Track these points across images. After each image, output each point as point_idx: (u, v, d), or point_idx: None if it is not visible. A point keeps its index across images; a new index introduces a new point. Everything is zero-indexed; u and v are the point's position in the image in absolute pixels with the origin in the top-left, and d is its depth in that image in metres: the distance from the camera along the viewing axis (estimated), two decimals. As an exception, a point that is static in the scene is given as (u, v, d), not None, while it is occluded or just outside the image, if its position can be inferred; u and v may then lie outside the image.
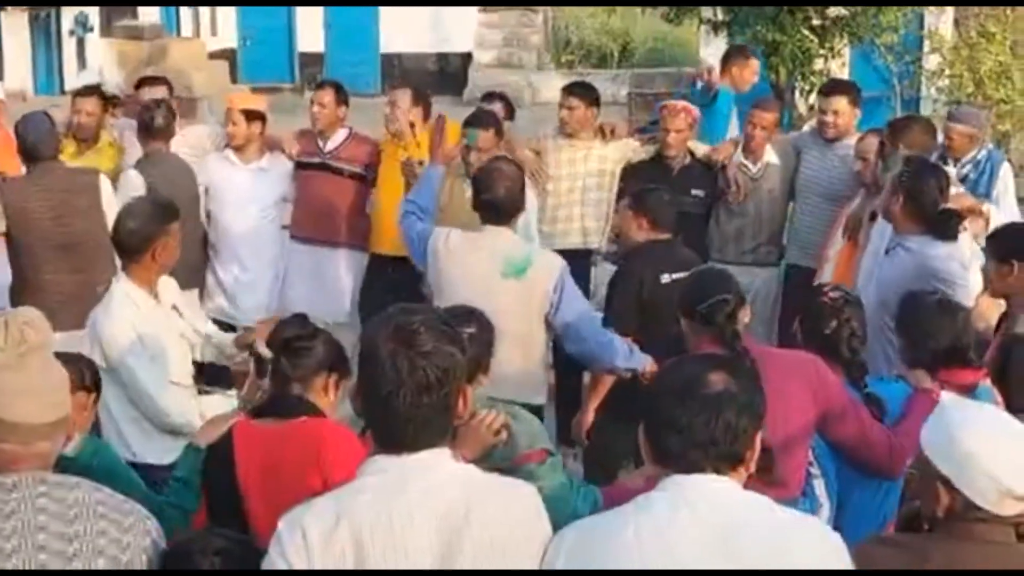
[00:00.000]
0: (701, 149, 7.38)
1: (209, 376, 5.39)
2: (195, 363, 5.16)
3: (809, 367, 4.05)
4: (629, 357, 5.25)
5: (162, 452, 4.78)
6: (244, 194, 7.44)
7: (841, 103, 7.15)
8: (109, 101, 12.52)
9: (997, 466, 2.75)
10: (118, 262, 5.00)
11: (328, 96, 7.63)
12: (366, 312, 7.17)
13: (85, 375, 4.13)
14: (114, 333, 4.77)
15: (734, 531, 2.53)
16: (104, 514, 2.70)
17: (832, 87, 7.57)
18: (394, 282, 6.87)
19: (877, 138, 6.63)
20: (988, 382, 4.33)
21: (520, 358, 5.15)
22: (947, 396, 3.86)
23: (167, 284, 5.04)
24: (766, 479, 3.75)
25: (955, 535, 2.80)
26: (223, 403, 4.88)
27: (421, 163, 6.57)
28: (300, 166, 7.56)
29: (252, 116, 7.47)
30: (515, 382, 4.99)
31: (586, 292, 6.51)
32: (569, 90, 7.53)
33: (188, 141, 7.66)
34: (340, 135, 7.61)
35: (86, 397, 4.12)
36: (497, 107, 7.59)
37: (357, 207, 7.63)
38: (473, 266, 5.22)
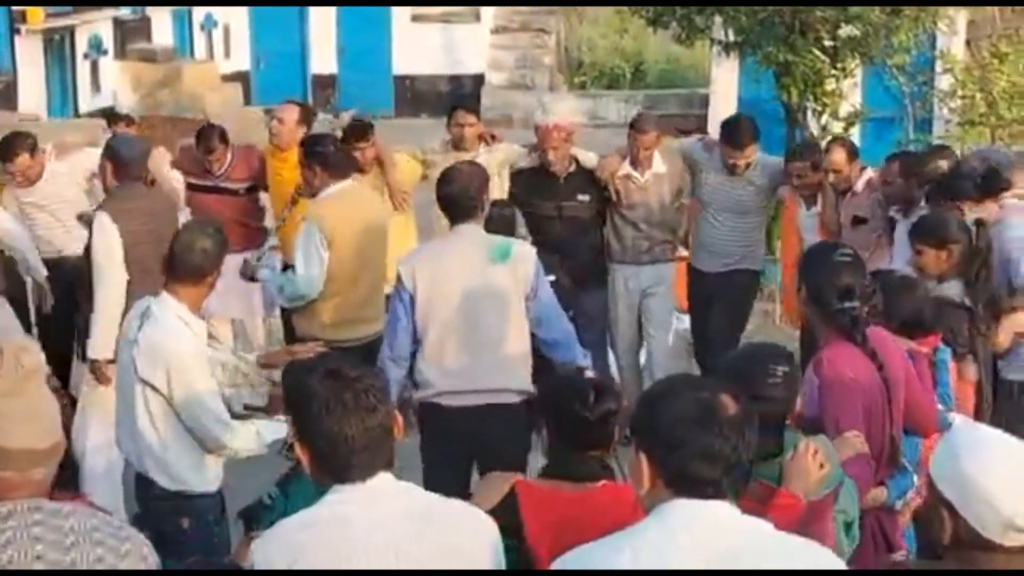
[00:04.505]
0: (583, 156, 7.71)
1: None
2: None
3: (896, 343, 4.38)
4: (583, 355, 5.59)
5: (209, 479, 4.83)
6: None
7: (751, 149, 7.57)
8: (124, 121, 12.55)
9: (998, 495, 2.61)
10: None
11: (290, 114, 7.80)
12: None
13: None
14: (181, 354, 4.69)
15: (735, 556, 2.51)
16: (101, 540, 2.69)
17: (740, 141, 7.63)
18: None
19: (898, 163, 7.13)
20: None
21: (516, 342, 5.37)
22: (959, 419, 3.91)
23: None
24: (894, 465, 4.12)
25: (963, 563, 2.71)
26: (278, 428, 4.82)
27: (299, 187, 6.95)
28: (191, 187, 7.82)
29: None
30: (515, 367, 5.34)
31: None
32: (465, 109, 7.94)
33: (72, 164, 7.70)
34: (226, 156, 7.87)
35: None
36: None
37: (251, 214, 8.04)
38: (460, 260, 5.36)
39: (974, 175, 6.27)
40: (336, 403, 2.81)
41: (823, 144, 8.14)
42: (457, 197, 5.43)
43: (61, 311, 7.71)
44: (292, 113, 7.80)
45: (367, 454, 2.82)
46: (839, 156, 7.36)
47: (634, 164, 7.61)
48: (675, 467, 2.58)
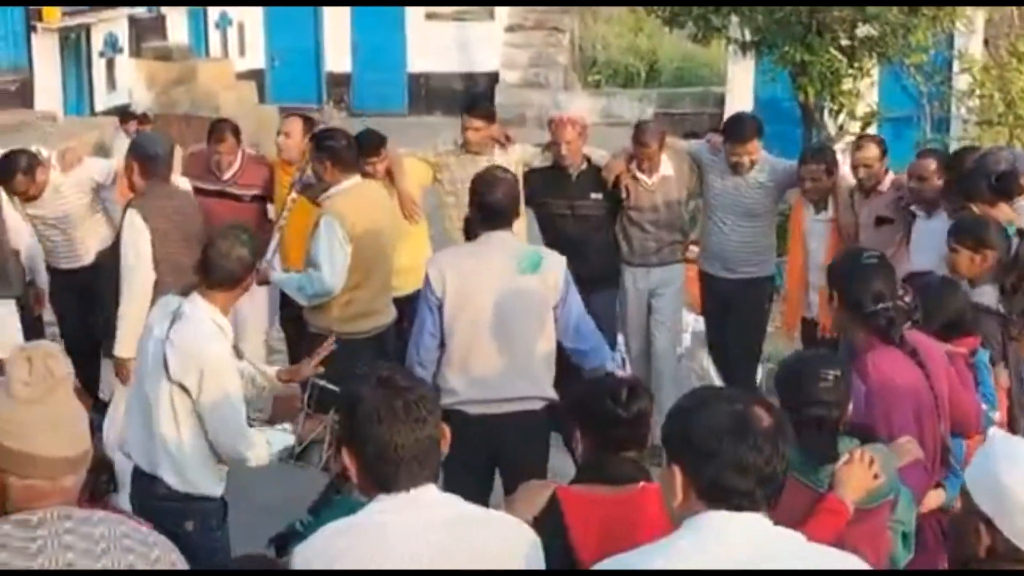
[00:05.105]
0: (596, 155, 7.69)
1: None
2: None
3: (934, 344, 4.40)
4: (613, 360, 5.62)
5: (216, 483, 4.84)
6: None
7: (753, 144, 7.54)
8: (138, 119, 12.56)
9: None
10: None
11: (295, 126, 7.72)
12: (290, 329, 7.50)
13: None
14: (215, 358, 4.68)
15: (767, 567, 2.51)
16: (131, 547, 2.68)
17: (742, 133, 7.62)
18: None
19: (934, 159, 7.05)
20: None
21: (544, 351, 5.37)
22: (995, 431, 3.90)
23: None
24: (946, 466, 4.17)
25: None
26: (285, 438, 4.84)
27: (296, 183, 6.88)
28: (197, 191, 7.54)
29: None
30: (541, 375, 5.34)
31: None
32: (471, 112, 7.69)
33: (78, 176, 7.60)
34: (236, 162, 7.77)
35: None
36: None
37: (256, 223, 7.73)
38: (490, 267, 5.33)
39: (989, 175, 6.22)
40: (387, 412, 2.82)
41: (853, 141, 8.05)
42: (499, 205, 5.40)
43: (78, 314, 7.73)
44: (297, 126, 7.72)
45: (414, 464, 2.83)
46: (872, 152, 7.24)
47: (640, 167, 7.59)
48: (708, 478, 2.57)
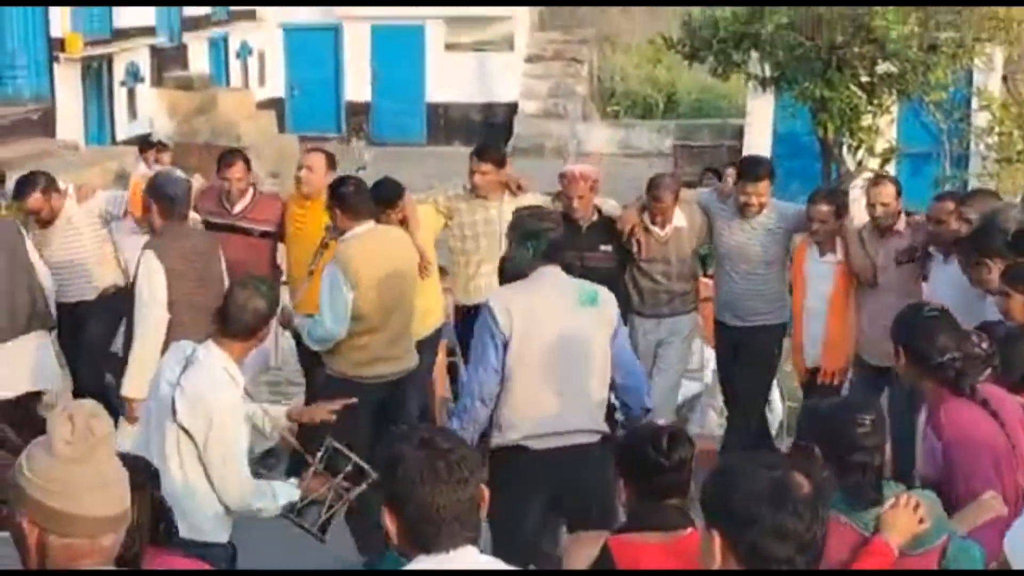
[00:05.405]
0: (606, 206, 7.66)
1: None
2: None
3: (1005, 393, 4.41)
4: (649, 398, 5.65)
5: (223, 529, 4.84)
6: None
7: (764, 185, 7.49)
8: (156, 147, 12.66)
9: None
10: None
11: (317, 161, 7.70)
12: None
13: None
14: (224, 409, 4.71)
15: None
16: None
17: (756, 172, 7.61)
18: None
19: (952, 202, 7.00)
20: None
21: (600, 384, 5.39)
22: None
23: None
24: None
25: None
26: (291, 491, 4.85)
27: (329, 228, 6.73)
28: (208, 226, 7.58)
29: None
30: (598, 409, 5.37)
31: None
32: (480, 156, 7.65)
33: (90, 208, 7.70)
34: (247, 195, 7.76)
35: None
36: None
37: (268, 263, 7.78)
38: (552, 302, 5.34)
39: (1005, 233, 6.20)
40: (430, 472, 2.81)
41: (868, 180, 8.04)
42: (557, 240, 5.44)
43: (87, 348, 7.80)
44: (320, 161, 7.70)
45: (455, 525, 2.82)
46: (889, 191, 7.22)
47: (653, 219, 7.56)
48: (747, 545, 2.57)
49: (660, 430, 3.82)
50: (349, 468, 4.89)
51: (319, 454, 4.95)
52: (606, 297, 5.48)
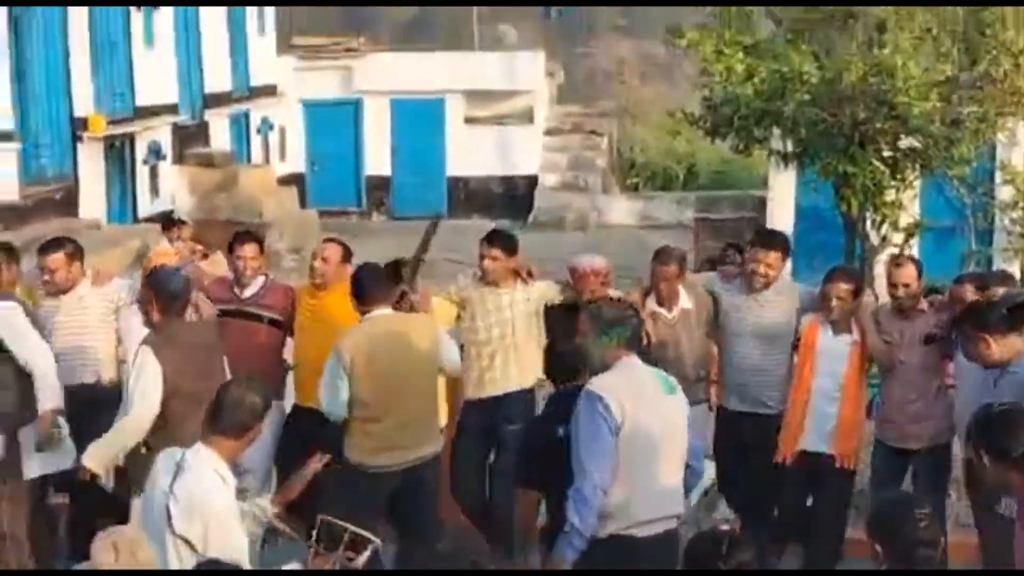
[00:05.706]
0: (617, 295, 7.50)
1: None
2: None
3: None
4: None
5: None
6: None
7: (776, 256, 7.41)
8: (176, 225, 12.66)
9: None
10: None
11: (333, 252, 7.59)
12: (285, 466, 7.04)
13: None
14: (220, 513, 4.69)
15: None
16: None
17: (770, 242, 7.59)
18: (315, 437, 6.73)
19: (970, 284, 7.15)
20: None
21: (683, 467, 5.57)
22: None
23: None
24: None
25: None
26: None
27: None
28: (219, 313, 7.47)
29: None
30: (679, 498, 5.54)
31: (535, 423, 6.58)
32: (491, 242, 7.58)
33: (104, 292, 7.57)
34: (258, 282, 7.70)
35: None
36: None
37: (275, 353, 7.69)
38: (647, 391, 5.44)
39: (1002, 306, 6.21)
40: None
41: (890, 259, 7.96)
42: (638, 328, 5.58)
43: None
44: (336, 252, 7.58)
45: None
46: (911, 272, 7.15)
47: (660, 301, 7.48)
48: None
49: (721, 535, 3.98)
50: (347, 537, 4.91)
51: (314, 533, 4.98)
52: (676, 384, 5.63)
